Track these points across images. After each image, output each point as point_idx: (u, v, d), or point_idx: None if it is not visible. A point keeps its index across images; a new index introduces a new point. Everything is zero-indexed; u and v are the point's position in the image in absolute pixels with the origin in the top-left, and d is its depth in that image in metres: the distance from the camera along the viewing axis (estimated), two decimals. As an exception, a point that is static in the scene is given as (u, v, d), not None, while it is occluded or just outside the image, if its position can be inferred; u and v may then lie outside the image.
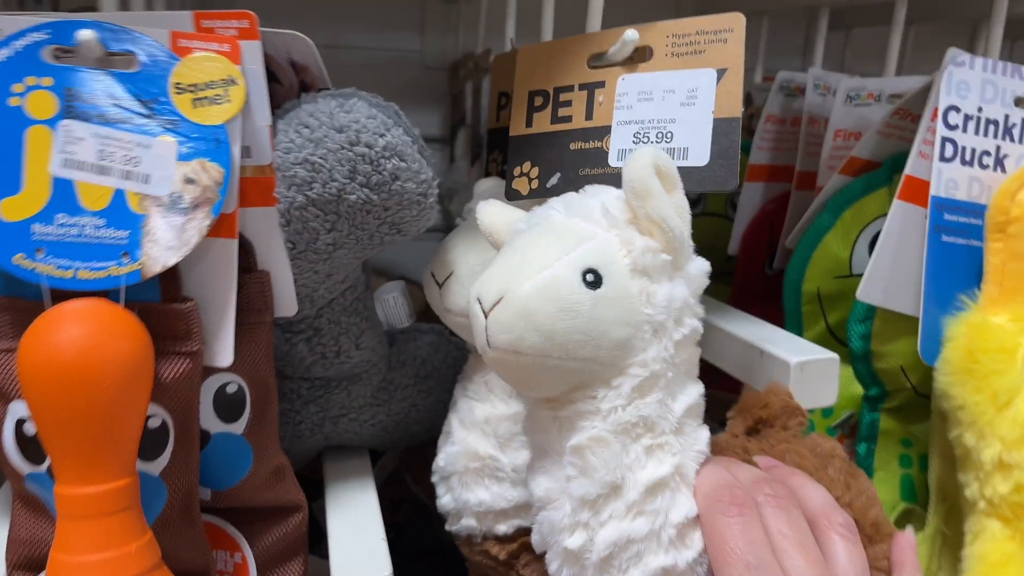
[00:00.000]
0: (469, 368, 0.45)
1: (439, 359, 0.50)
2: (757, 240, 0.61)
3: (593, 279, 0.31)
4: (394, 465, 0.63)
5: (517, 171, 0.41)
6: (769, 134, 0.60)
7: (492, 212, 0.36)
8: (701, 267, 0.34)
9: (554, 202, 0.35)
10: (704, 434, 0.34)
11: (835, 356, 0.41)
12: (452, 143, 0.69)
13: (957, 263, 0.42)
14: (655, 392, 0.32)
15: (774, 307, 0.54)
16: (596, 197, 0.34)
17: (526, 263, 0.31)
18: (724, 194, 0.68)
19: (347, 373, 0.46)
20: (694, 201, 0.67)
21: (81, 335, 0.30)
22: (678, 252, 0.33)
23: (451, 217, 0.47)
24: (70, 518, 0.31)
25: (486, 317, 0.31)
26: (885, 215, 0.44)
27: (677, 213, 0.33)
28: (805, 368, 0.41)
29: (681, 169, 0.34)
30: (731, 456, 0.37)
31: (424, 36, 0.73)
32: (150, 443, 0.35)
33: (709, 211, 0.69)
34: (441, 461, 0.45)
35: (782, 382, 0.41)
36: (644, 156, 0.32)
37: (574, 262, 0.31)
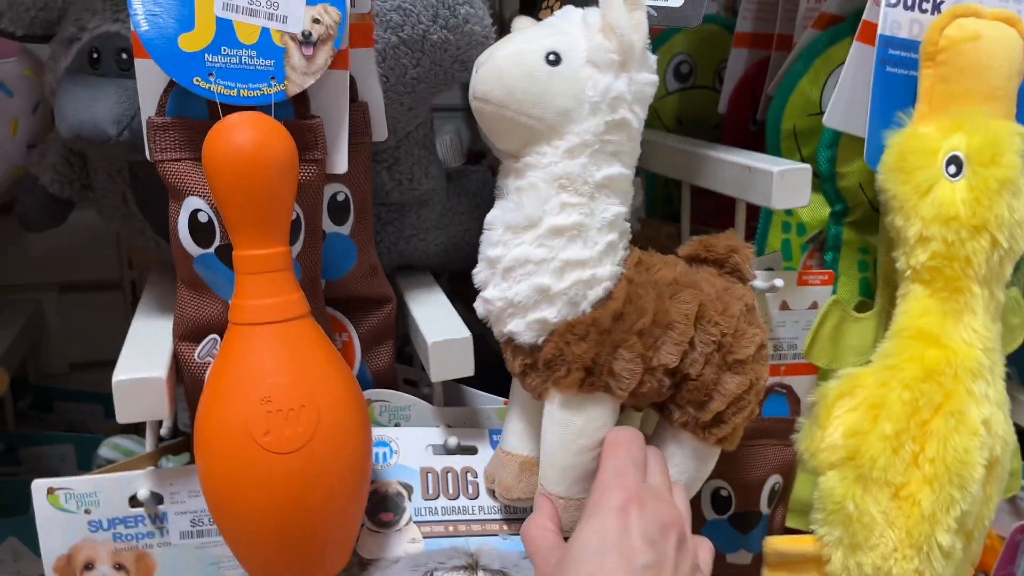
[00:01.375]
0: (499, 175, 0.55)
1: (487, 193, 0.61)
2: (742, 99, 0.72)
3: (554, 59, 0.43)
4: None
5: (544, 3, 0.51)
6: (752, 3, 0.70)
7: (518, 22, 0.48)
8: (648, 77, 0.45)
9: (558, 13, 0.46)
10: (616, 210, 0.45)
11: (807, 166, 0.53)
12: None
13: (898, 89, 0.53)
14: (582, 157, 0.44)
15: (757, 155, 0.64)
16: (584, 10, 0.46)
17: (510, 42, 0.44)
18: (712, 67, 0.78)
19: (418, 199, 0.56)
20: (685, 75, 0.77)
21: (256, 134, 0.40)
22: (627, 56, 0.44)
23: None
24: (248, 273, 0.42)
25: (477, 73, 0.43)
26: (848, 59, 0.54)
27: (633, 27, 0.43)
28: (784, 175, 0.52)
29: (659, 8, 0.45)
30: (655, 260, 0.48)
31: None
32: (290, 231, 0.45)
33: (699, 84, 0.80)
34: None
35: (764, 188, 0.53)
36: None
37: (543, 46, 0.43)
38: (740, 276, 0.50)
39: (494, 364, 0.69)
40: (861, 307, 0.61)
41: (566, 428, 0.45)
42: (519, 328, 0.44)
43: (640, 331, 0.44)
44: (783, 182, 0.53)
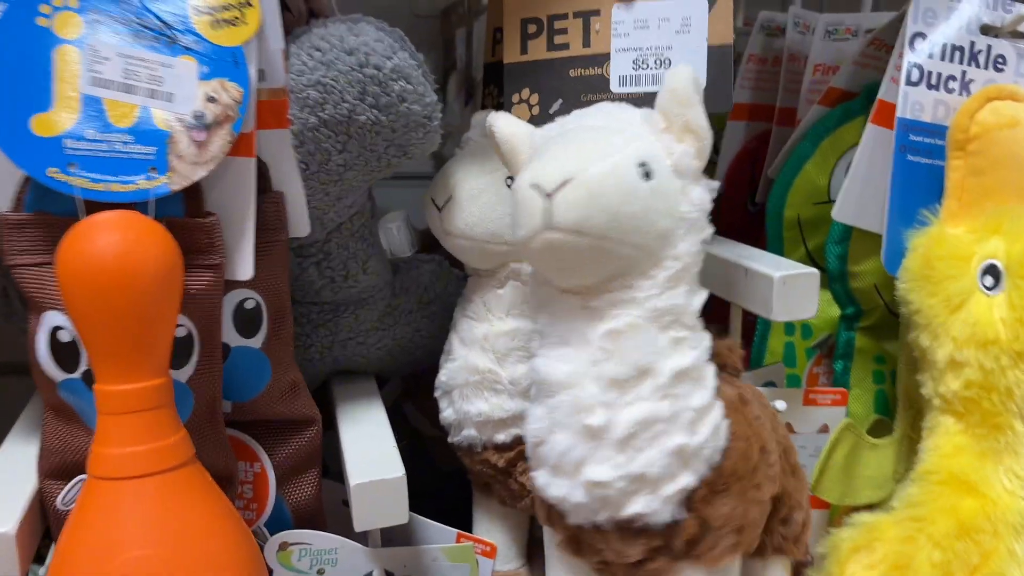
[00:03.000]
0: (468, 290, 0.48)
1: (440, 287, 0.52)
2: (739, 176, 0.64)
3: (646, 171, 0.34)
4: (392, 399, 0.66)
5: (516, 98, 0.43)
6: (751, 73, 0.62)
7: (508, 122, 0.39)
8: (712, 183, 0.38)
9: (582, 113, 0.38)
10: (707, 336, 0.38)
11: (815, 271, 0.44)
12: (444, 88, 0.70)
13: (921, 180, 0.45)
14: (684, 284, 0.36)
15: (756, 244, 0.57)
16: (627, 110, 0.37)
17: (588, 151, 0.34)
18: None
19: (355, 297, 0.48)
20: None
21: (120, 242, 0.32)
22: (704, 161, 0.36)
23: (443, 161, 0.49)
24: (111, 413, 0.33)
25: (548, 199, 0.33)
26: (860, 143, 0.47)
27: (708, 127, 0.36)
28: (787, 282, 0.44)
29: None
30: None
31: (413, -16, 0.74)
32: (177, 352, 0.37)
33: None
34: (443, 377, 0.48)
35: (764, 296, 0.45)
36: (687, 71, 0.36)
37: (631, 154, 0.34)
38: (736, 375, 0.42)
39: (455, 476, 0.61)
40: (877, 426, 0.52)
41: None
42: (652, 506, 0.35)
43: (755, 466, 0.37)
44: (786, 289, 0.44)
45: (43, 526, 0.40)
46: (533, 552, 0.53)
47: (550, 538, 0.41)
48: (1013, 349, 0.40)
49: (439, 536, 0.47)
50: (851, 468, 0.48)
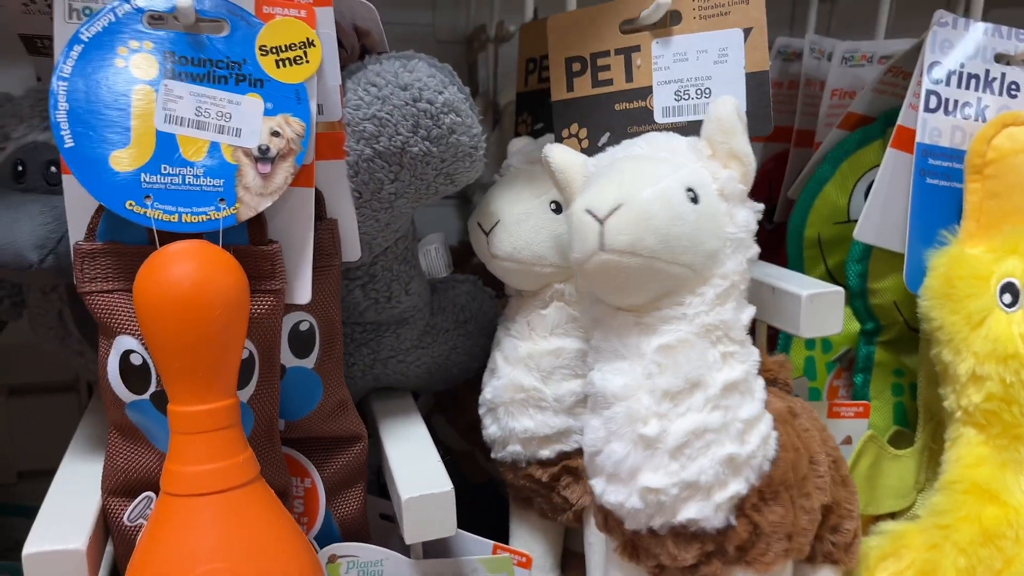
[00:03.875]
0: (511, 310, 0.50)
1: (476, 306, 0.54)
2: (757, 196, 0.66)
3: (693, 196, 0.37)
4: (424, 413, 0.67)
5: (565, 133, 0.46)
6: (767, 96, 0.64)
7: (562, 152, 0.41)
8: (756, 205, 0.41)
9: (630, 143, 0.40)
10: (756, 351, 0.40)
11: (840, 289, 0.46)
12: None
13: (940, 203, 0.47)
14: (732, 301, 0.38)
15: (773, 260, 0.59)
16: (673, 139, 0.40)
17: (638, 178, 0.36)
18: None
19: (396, 317, 0.50)
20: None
21: (195, 270, 0.34)
22: (749, 184, 0.39)
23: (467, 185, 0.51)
24: (184, 433, 0.35)
25: (601, 223, 0.35)
26: (879, 165, 0.49)
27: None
28: (814, 300, 0.46)
29: None
30: None
31: (436, 10, 0.76)
32: (240, 373, 0.39)
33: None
34: (488, 394, 0.49)
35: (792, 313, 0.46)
36: (730, 102, 0.39)
37: (679, 180, 0.36)
38: (788, 390, 0.45)
39: (484, 490, 0.62)
40: (897, 437, 0.54)
41: None
42: (705, 512, 0.37)
43: (804, 475, 0.39)
44: (813, 307, 0.46)
45: (107, 542, 0.42)
46: (567, 564, 0.55)
47: (608, 545, 0.42)
48: (1032, 364, 0.42)
49: (476, 548, 0.48)
50: (874, 478, 0.50)
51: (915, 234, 0.47)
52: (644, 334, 0.37)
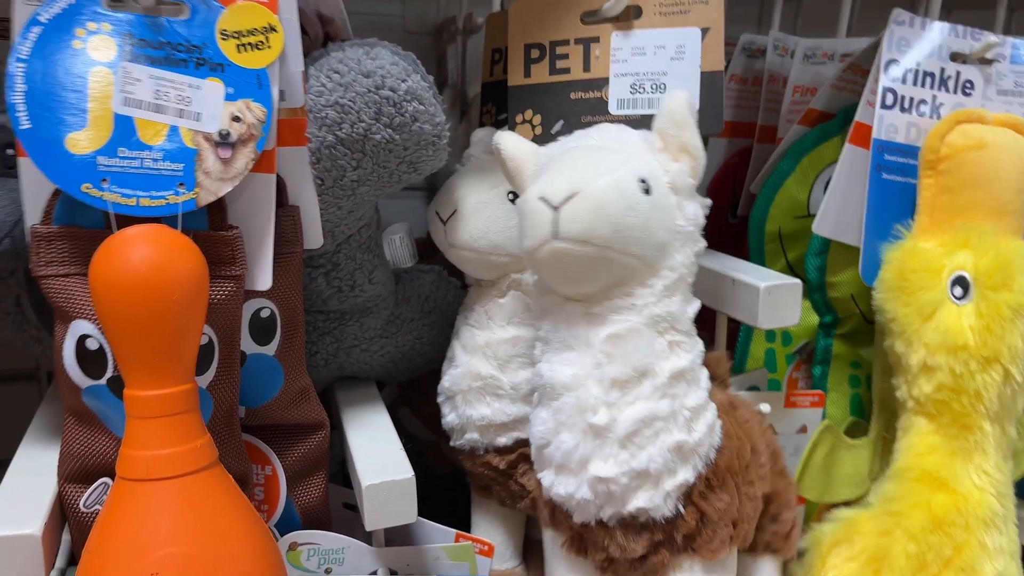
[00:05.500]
0: (470, 300, 0.50)
1: (440, 296, 0.54)
2: (721, 190, 0.67)
3: (646, 187, 0.37)
4: (388, 403, 0.67)
5: (519, 119, 0.46)
6: (732, 92, 0.65)
7: (513, 141, 0.41)
8: (704, 200, 0.41)
9: (583, 133, 0.41)
10: (701, 342, 0.40)
11: (798, 281, 0.47)
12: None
13: (895, 198, 0.48)
14: (679, 293, 0.39)
15: (735, 254, 0.59)
16: (625, 131, 0.40)
17: (593, 168, 0.36)
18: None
19: (360, 306, 0.50)
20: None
21: (153, 254, 0.33)
22: (698, 179, 0.39)
23: (434, 175, 0.51)
24: (141, 418, 0.35)
25: (556, 211, 0.35)
26: (837, 161, 0.50)
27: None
28: (772, 292, 0.47)
29: None
30: None
31: (405, 1, 0.76)
32: (199, 359, 0.38)
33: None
34: (447, 382, 0.50)
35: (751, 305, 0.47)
36: (683, 96, 0.39)
37: (632, 171, 0.37)
38: (725, 385, 0.46)
39: (448, 480, 0.63)
40: (853, 428, 0.55)
41: None
42: (655, 501, 0.37)
43: (747, 464, 0.40)
44: (771, 299, 0.47)
45: (64, 529, 0.41)
46: (528, 552, 0.56)
47: (553, 541, 0.43)
48: (981, 355, 0.44)
49: (439, 536, 0.48)
50: (830, 467, 0.51)
51: (871, 228, 0.48)
52: (593, 324, 0.38)
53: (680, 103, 0.38)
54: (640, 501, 0.37)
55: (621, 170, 0.36)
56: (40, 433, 0.46)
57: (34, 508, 0.39)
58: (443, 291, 0.54)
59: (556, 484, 0.39)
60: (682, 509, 0.38)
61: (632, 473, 0.36)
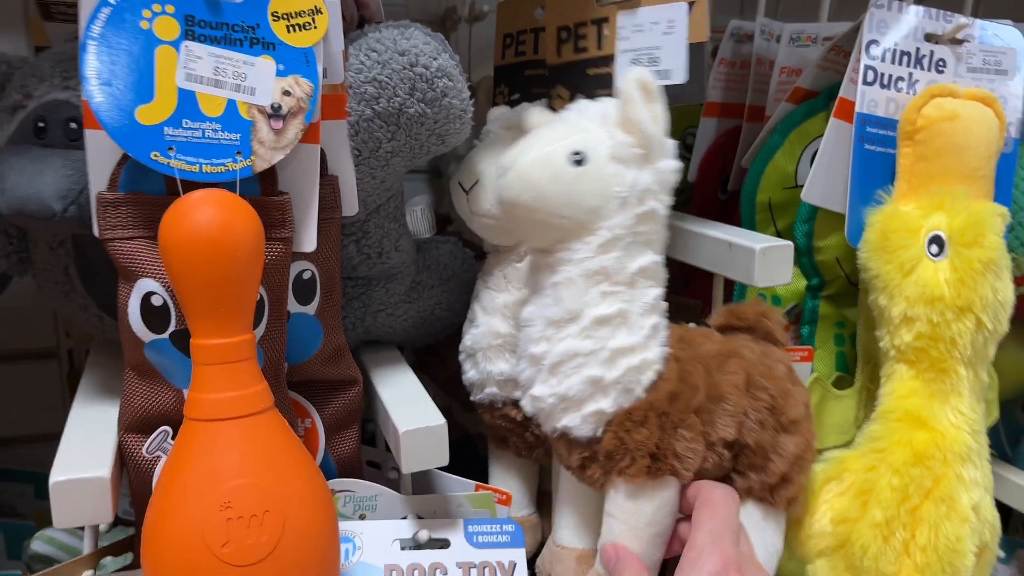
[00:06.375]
0: (489, 265, 0.54)
1: (457, 265, 0.58)
2: (712, 168, 0.71)
3: (579, 160, 0.42)
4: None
5: (555, 93, 0.50)
6: (721, 75, 0.70)
7: (538, 113, 0.45)
8: (670, 165, 0.45)
9: (574, 106, 0.45)
10: (654, 292, 0.45)
11: (790, 243, 0.51)
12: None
13: (876, 166, 0.53)
14: (615, 251, 0.43)
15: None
16: (601, 105, 0.45)
17: (532, 144, 0.43)
18: (678, 134, 0.78)
19: (386, 273, 0.53)
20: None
21: (220, 214, 0.37)
22: (650, 148, 0.43)
23: (442, 158, 0.55)
24: (208, 364, 0.38)
25: (467, 193, 0.44)
26: (823, 135, 0.54)
27: (653, 120, 0.43)
28: (766, 253, 0.51)
29: (666, 87, 0.44)
30: (694, 334, 0.48)
31: (409, -10, 0.80)
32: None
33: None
34: (468, 341, 0.53)
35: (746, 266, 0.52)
36: (632, 74, 0.43)
37: (567, 146, 0.42)
38: (773, 341, 0.50)
39: (460, 443, 0.66)
40: (839, 382, 0.60)
41: (635, 517, 0.44)
42: (575, 422, 0.43)
43: (696, 408, 0.44)
44: (765, 259, 0.51)
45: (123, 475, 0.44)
46: (542, 502, 0.60)
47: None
48: (956, 305, 0.48)
49: (460, 488, 0.52)
50: (820, 416, 0.56)
51: (855, 195, 0.53)
52: (545, 272, 0.44)
53: (628, 81, 0.42)
54: (565, 420, 0.44)
55: (552, 145, 0.42)
56: (88, 396, 0.50)
57: (100, 455, 0.42)
58: (459, 260, 0.58)
59: (522, 401, 0.46)
60: (600, 433, 0.43)
61: (557, 396, 0.43)
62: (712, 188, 0.73)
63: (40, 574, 0.44)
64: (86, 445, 0.43)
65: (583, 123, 0.44)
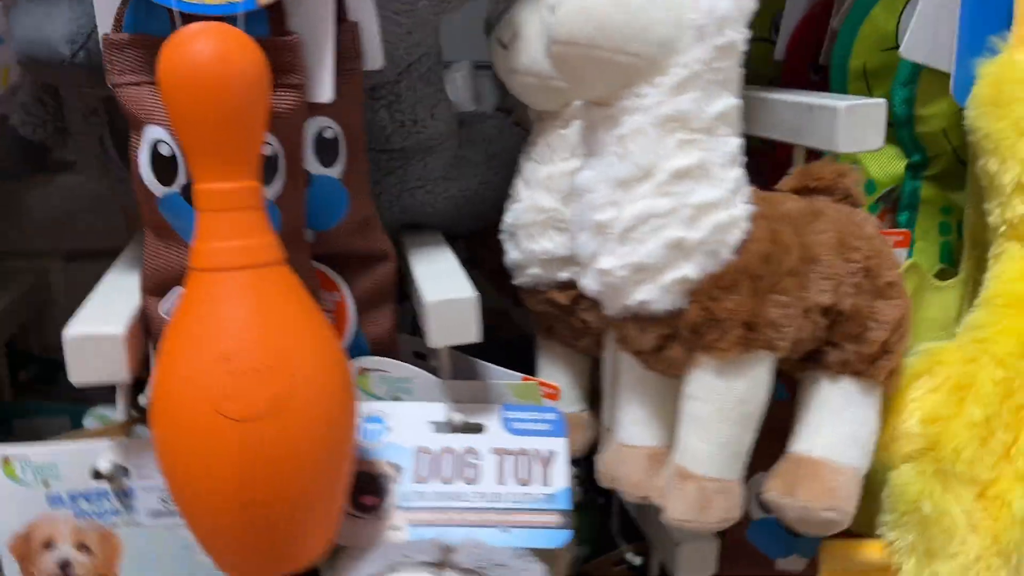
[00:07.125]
0: (533, 135, 0.49)
1: (504, 140, 0.54)
2: (802, 42, 0.63)
3: None
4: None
5: None
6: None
7: None
8: None
9: None
10: (734, 141, 0.39)
11: (882, 101, 0.44)
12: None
13: (991, 10, 0.45)
14: (692, 91, 0.37)
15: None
16: None
17: None
18: (768, 16, 0.70)
19: (423, 144, 0.50)
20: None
21: (217, 46, 0.34)
22: None
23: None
24: (210, 210, 0.36)
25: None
26: (930, -19, 0.46)
27: None
28: (853, 111, 0.44)
29: None
30: (772, 194, 0.42)
31: None
32: (265, 169, 0.39)
33: (754, 36, 0.71)
34: (509, 218, 0.49)
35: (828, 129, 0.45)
36: None
37: None
38: (852, 202, 0.44)
39: (516, 345, 0.63)
40: (942, 275, 0.52)
41: (727, 396, 0.40)
42: (653, 295, 0.38)
43: (790, 270, 0.39)
44: (851, 119, 0.44)
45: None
46: (596, 398, 0.56)
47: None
48: (1083, 168, 0.40)
49: (506, 378, 0.49)
50: (916, 310, 0.49)
51: (964, 45, 0.45)
52: (608, 127, 0.38)
53: None
54: (640, 294, 0.38)
55: None
56: (125, 263, 0.49)
57: (119, 314, 0.41)
58: (507, 135, 0.54)
59: (583, 280, 0.41)
60: (686, 304, 0.38)
61: (631, 266, 0.38)
62: (803, 67, 0.65)
63: (70, 434, 0.44)
64: (109, 305, 0.42)
65: None
